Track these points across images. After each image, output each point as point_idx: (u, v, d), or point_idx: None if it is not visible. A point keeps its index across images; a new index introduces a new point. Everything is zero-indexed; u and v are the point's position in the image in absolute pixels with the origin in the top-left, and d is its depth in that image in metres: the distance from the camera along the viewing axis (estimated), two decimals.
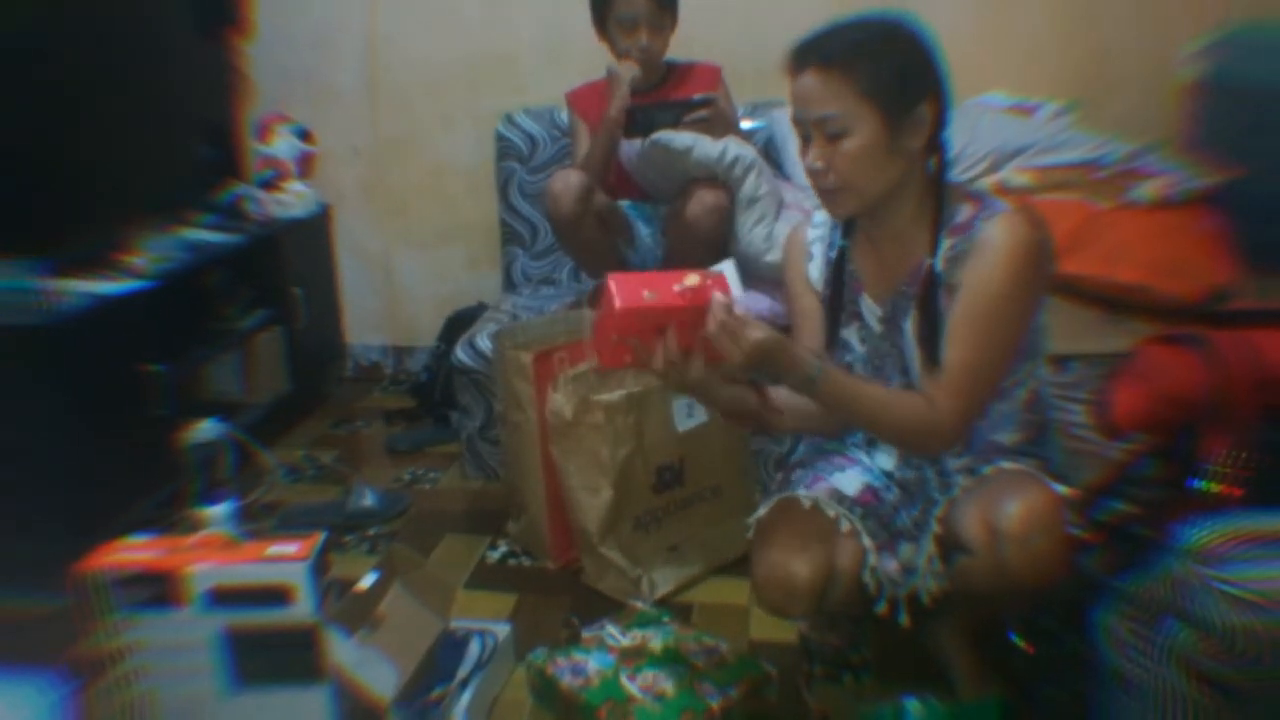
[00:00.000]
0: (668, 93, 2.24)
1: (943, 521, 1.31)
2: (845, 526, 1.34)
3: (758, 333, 1.16)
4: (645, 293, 1.18)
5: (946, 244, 1.26)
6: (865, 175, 1.23)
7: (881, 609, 1.33)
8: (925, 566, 1.31)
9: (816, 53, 1.23)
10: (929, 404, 1.24)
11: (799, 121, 1.26)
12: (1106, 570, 1.27)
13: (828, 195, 1.29)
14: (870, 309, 1.36)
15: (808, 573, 1.29)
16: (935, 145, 1.27)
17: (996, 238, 1.22)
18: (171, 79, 2.44)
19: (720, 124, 2.08)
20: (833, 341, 1.39)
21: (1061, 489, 1.24)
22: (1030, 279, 1.24)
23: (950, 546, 1.29)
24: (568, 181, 2.09)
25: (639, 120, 2.06)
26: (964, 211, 1.27)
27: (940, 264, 1.26)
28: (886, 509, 1.40)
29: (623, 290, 1.17)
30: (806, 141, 1.26)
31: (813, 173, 1.27)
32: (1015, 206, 1.26)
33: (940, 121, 1.25)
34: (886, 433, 1.32)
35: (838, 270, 1.38)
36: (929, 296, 1.27)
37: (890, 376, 1.35)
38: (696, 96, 2.09)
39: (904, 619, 1.32)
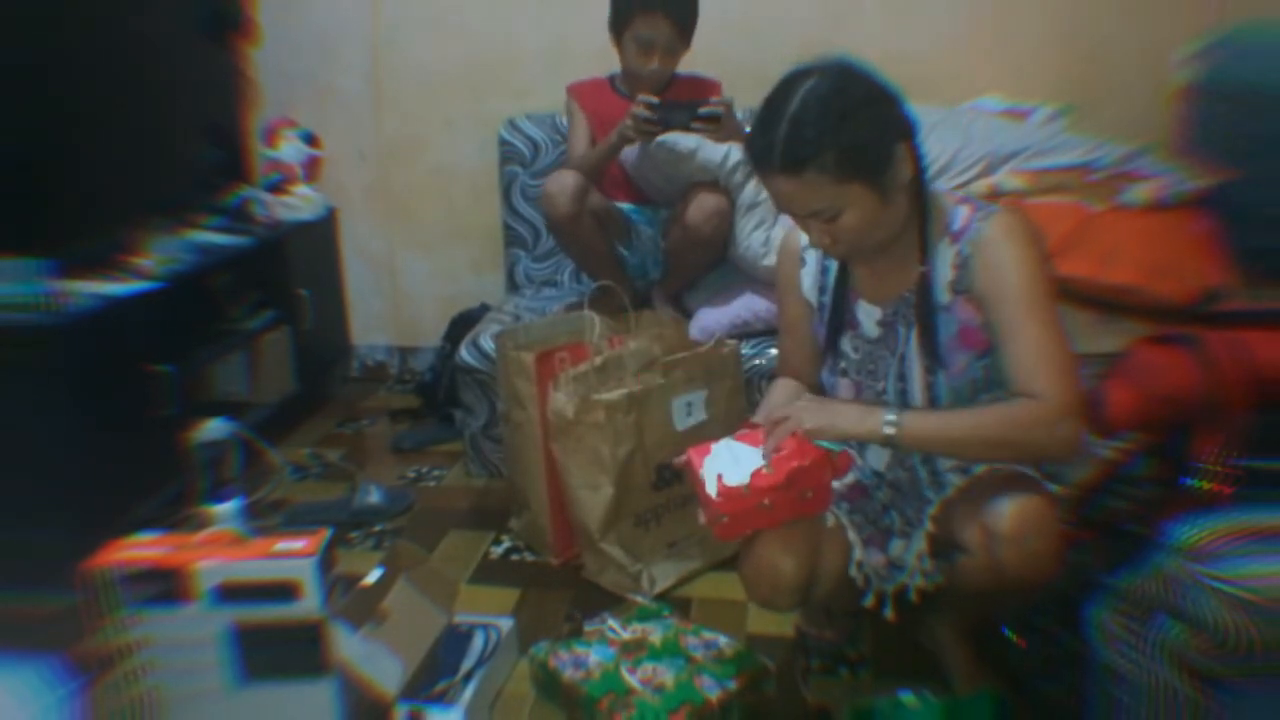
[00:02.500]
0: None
1: (936, 520, 1.32)
2: (830, 521, 1.36)
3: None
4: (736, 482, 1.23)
5: (952, 250, 1.26)
6: (872, 234, 1.23)
7: (869, 602, 1.35)
8: (915, 564, 1.32)
9: (779, 160, 1.18)
10: (1032, 401, 1.18)
11: (786, 211, 1.25)
12: (1099, 567, 1.28)
13: (843, 257, 1.32)
14: (868, 312, 1.36)
15: (793, 566, 1.30)
16: (916, 161, 1.24)
17: (1000, 232, 1.23)
18: (179, 83, 2.45)
19: (728, 133, 2.09)
20: (832, 350, 1.40)
21: (1054, 488, 1.26)
22: (1044, 259, 1.24)
23: (944, 545, 1.30)
24: (563, 182, 2.11)
25: (653, 117, 2.03)
26: (961, 215, 1.27)
27: (949, 270, 1.26)
28: (875, 506, 1.41)
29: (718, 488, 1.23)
30: (798, 217, 1.26)
31: (821, 246, 1.27)
32: (1006, 205, 1.27)
33: (915, 140, 1.23)
34: (1002, 447, 1.21)
35: (840, 281, 1.38)
36: (925, 303, 1.28)
37: (885, 380, 1.36)
38: (713, 100, 2.09)
39: (889, 613, 1.33)
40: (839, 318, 1.38)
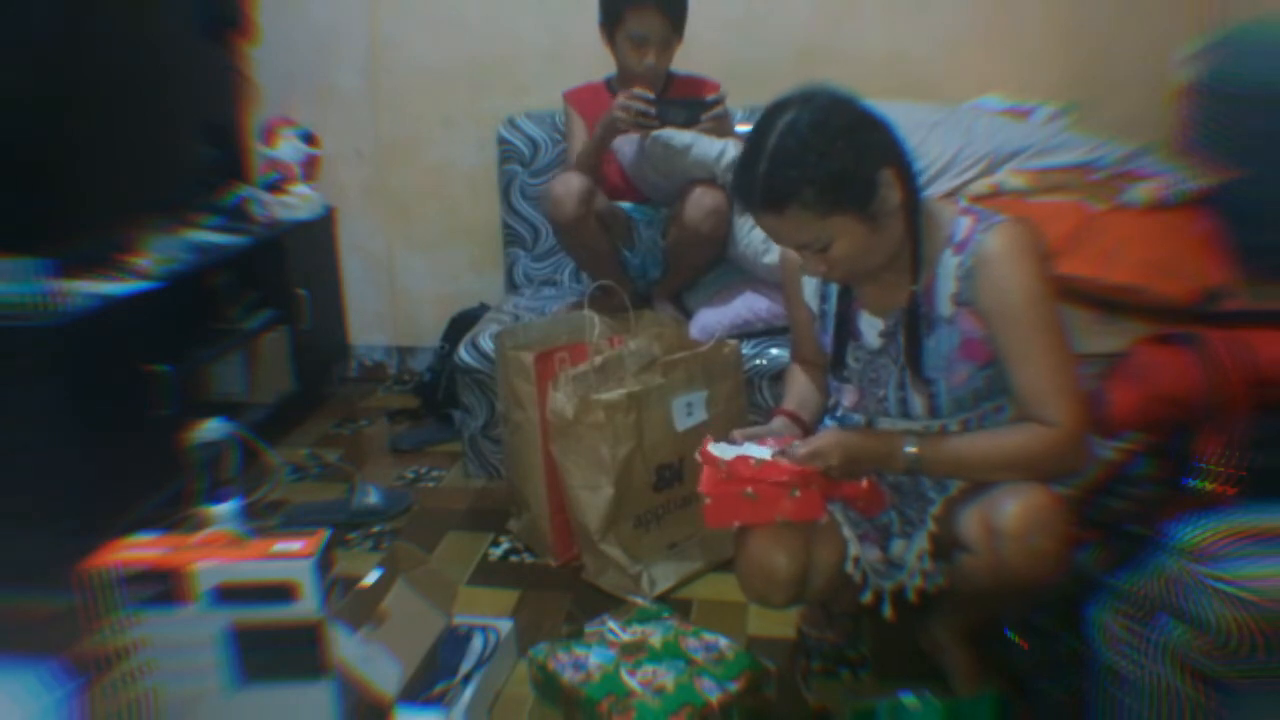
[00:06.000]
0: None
1: (939, 520, 1.32)
2: (824, 517, 1.36)
3: (836, 447, 1.24)
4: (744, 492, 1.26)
5: (955, 261, 1.25)
6: (866, 260, 1.23)
7: (867, 599, 1.35)
8: (915, 563, 1.32)
9: (760, 199, 1.18)
10: (1045, 428, 1.19)
11: (777, 243, 1.26)
12: (1102, 568, 1.28)
13: (841, 282, 1.32)
14: (870, 324, 1.36)
15: (785, 561, 1.31)
16: (906, 184, 1.23)
17: (1002, 247, 1.21)
18: (176, 82, 2.45)
19: (724, 129, 2.09)
20: (840, 363, 1.40)
21: (1058, 488, 1.26)
22: (1047, 274, 1.23)
23: (948, 545, 1.30)
24: (569, 185, 2.10)
25: (650, 111, 2.02)
26: (963, 226, 1.26)
27: (952, 282, 1.26)
28: None
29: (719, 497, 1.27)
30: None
31: (817, 274, 1.27)
32: (1010, 216, 1.26)
33: (904, 164, 1.22)
34: (1013, 469, 1.22)
35: (843, 293, 1.38)
36: (913, 322, 1.28)
37: (886, 387, 1.35)
38: (710, 97, 2.08)
39: (888, 612, 1.33)
40: (844, 330, 1.38)
